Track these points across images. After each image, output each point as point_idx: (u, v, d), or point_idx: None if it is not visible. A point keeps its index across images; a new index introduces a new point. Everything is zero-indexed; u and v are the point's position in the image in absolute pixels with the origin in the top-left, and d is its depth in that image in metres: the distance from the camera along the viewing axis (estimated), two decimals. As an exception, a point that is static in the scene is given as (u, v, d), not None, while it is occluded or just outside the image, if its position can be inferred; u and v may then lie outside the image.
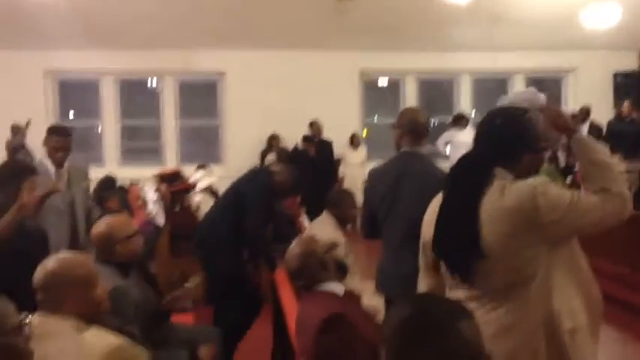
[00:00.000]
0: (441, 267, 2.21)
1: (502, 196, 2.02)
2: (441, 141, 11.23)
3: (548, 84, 12.96)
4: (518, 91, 2.31)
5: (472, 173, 2.11)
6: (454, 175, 2.20)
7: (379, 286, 3.56)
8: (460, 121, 10.90)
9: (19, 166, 4.14)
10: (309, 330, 2.53)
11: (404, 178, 3.36)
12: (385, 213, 3.42)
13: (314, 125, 11.04)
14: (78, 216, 4.48)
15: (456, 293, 2.13)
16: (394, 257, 3.39)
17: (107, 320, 2.83)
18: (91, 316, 2.47)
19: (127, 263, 3.24)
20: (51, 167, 4.50)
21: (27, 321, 1.85)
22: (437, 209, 2.18)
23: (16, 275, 2.46)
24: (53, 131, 4.64)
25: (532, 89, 2.31)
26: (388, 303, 3.56)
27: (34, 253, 2.53)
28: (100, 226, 3.28)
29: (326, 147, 11.05)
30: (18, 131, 9.91)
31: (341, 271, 2.89)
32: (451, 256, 2.13)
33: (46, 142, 4.56)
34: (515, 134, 2.10)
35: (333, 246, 3.06)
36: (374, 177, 3.60)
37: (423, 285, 2.35)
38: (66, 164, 4.59)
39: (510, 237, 2.00)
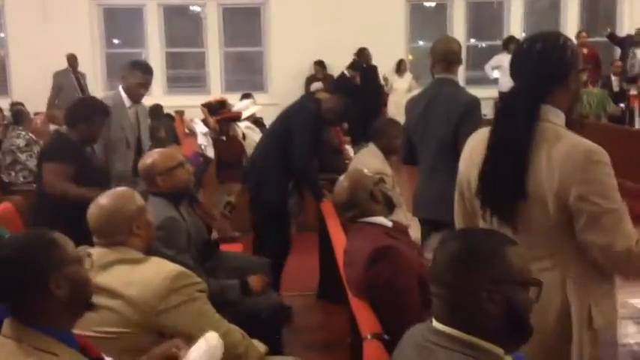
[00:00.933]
0: (481, 212, 2.10)
1: (558, 142, 1.91)
2: (489, 65, 10.95)
3: (604, 3, 12.43)
4: None
5: (519, 110, 1.98)
6: (500, 114, 2.10)
7: (414, 209, 3.81)
8: (510, 44, 10.53)
9: (94, 106, 4.14)
10: (358, 263, 2.56)
11: (433, 102, 3.57)
12: (419, 138, 3.66)
13: (363, 53, 10.81)
14: (144, 152, 4.56)
15: None
16: (426, 180, 3.64)
17: (161, 250, 2.92)
18: (147, 247, 2.55)
19: (176, 194, 3.29)
20: (127, 101, 4.46)
21: (87, 253, 1.91)
22: (476, 147, 2.09)
23: (80, 211, 2.53)
24: (138, 67, 4.52)
25: None
26: (422, 224, 3.79)
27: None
28: (146, 158, 3.33)
29: (371, 73, 10.87)
30: (72, 59, 10.06)
31: (389, 204, 2.88)
32: (495, 197, 2.02)
33: (129, 76, 4.44)
34: (559, 53, 2.01)
35: (381, 179, 3.06)
36: (410, 104, 3.81)
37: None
38: None
39: (548, 188, 1.90)
